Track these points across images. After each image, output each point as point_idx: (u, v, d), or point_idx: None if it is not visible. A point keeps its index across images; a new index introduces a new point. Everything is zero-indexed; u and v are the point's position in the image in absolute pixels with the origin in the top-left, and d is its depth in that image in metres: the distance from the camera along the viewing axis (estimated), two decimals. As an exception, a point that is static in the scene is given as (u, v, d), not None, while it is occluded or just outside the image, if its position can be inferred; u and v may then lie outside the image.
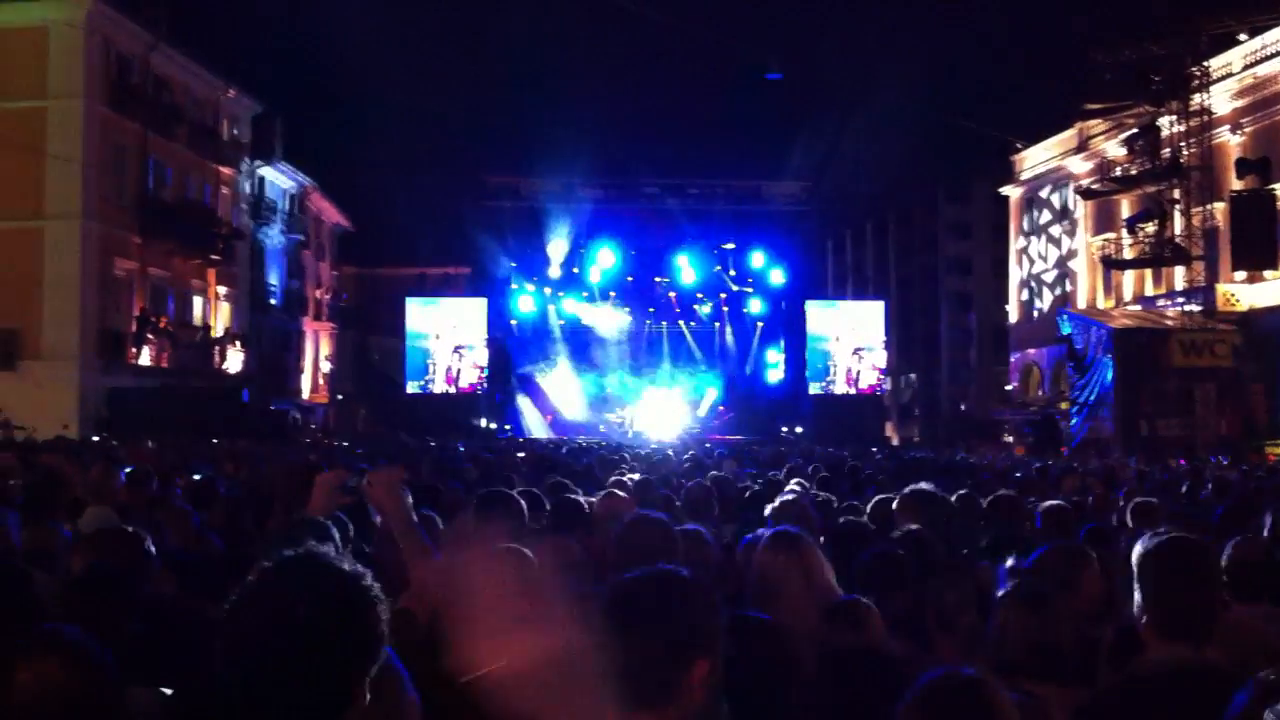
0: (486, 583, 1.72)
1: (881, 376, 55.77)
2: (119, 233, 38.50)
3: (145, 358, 38.93)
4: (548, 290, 52.38)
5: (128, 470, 9.80)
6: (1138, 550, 3.57)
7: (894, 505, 6.75)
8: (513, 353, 52.78)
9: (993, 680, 2.81)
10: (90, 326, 36.78)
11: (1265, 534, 6.75)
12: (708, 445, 31.59)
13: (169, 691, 3.32)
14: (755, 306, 53.47)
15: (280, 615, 2.01)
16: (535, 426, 50.85)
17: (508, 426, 50.66)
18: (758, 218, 52.97)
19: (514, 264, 52.18)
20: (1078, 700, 3.51)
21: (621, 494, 7.67)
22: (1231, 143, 39.16)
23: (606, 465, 14.77)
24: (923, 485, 6.93)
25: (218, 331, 45.63)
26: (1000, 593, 4.07)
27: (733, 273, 52.91)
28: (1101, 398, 37.93)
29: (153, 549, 4.71)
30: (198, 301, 44.92)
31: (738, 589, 5.10)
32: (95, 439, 26.61)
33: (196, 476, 11.40)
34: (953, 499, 7.55)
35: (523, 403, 52.65)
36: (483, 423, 49.99)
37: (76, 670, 2.71)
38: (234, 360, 45.20)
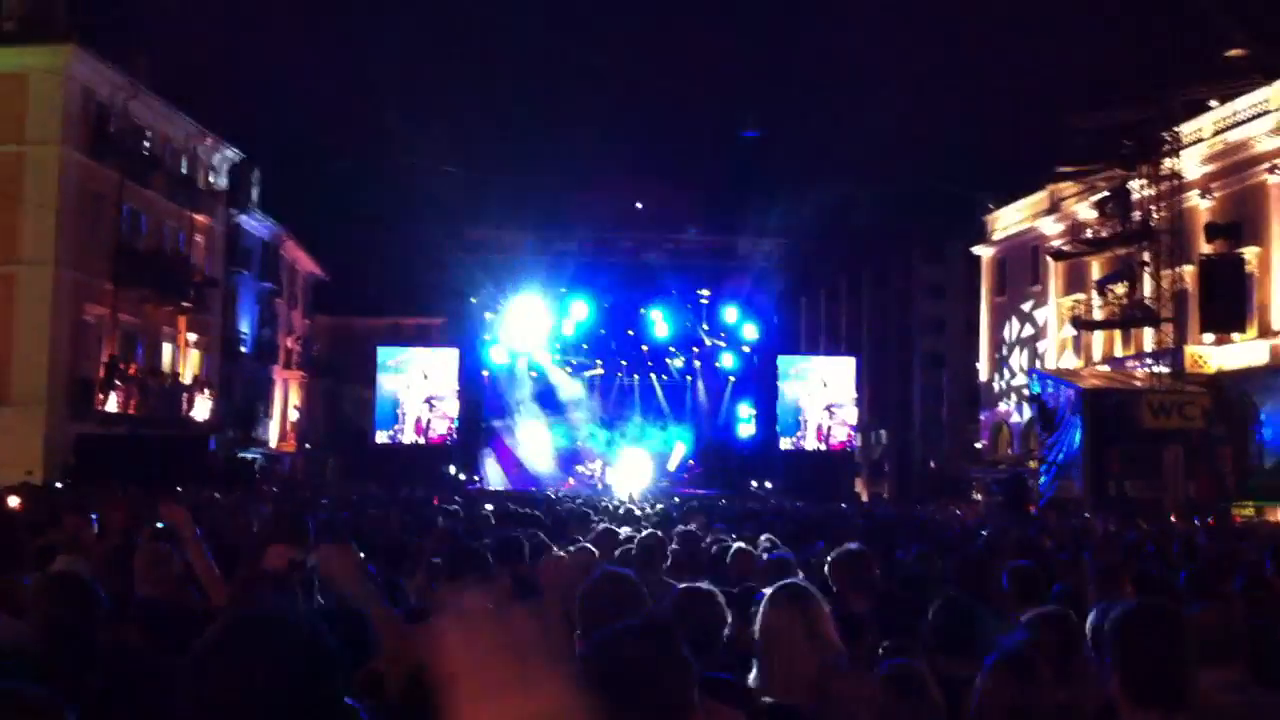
0: (474, 645, 1.71)
1: (853, 433, 55.90)
2: (92, 279, 38.34)
3: (113, 404, 38.65)
4: (520, 343, 52.38)
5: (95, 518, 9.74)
6: (1111, 616, 3.58)
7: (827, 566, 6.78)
8: (485, 404, 52.70)
9: None
10: (60, 372, 36.53)
11: (1235, 596, 6.78)
12: (676, 500, 31.51)
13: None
14: (728, 361, 53.61)
15: (238, 676, 1.99)
16: (502, 479, 50.70)
17: (477, 478, 50.49)
18: (732, 273, 53.20)
19: (487, 316, 52.20)
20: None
21: (590, 548, 7.66)
22: (1201, 207, 39.62)
23: (577, 519, 14.72)
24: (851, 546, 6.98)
25: (187, 379, 45.36)
26: (989, 658, 4.04)
27: (706, 327, 53.08)
28: (1070, 458, 38.06)
29: (103, 597, 4.66)
30: (168, 348, 44.68)
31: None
32: (59, 485, 26.36)
33: (160, 525, 11.29)
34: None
35: (491, 454, 52.52)
36: (451, 470, 49.81)
37: None
38: (202, 408, 44.92)
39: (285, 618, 2.11)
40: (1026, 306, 52.71)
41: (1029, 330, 52.35)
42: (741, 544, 8.89)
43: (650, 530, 9.48)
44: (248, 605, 2.13)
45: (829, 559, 6.87)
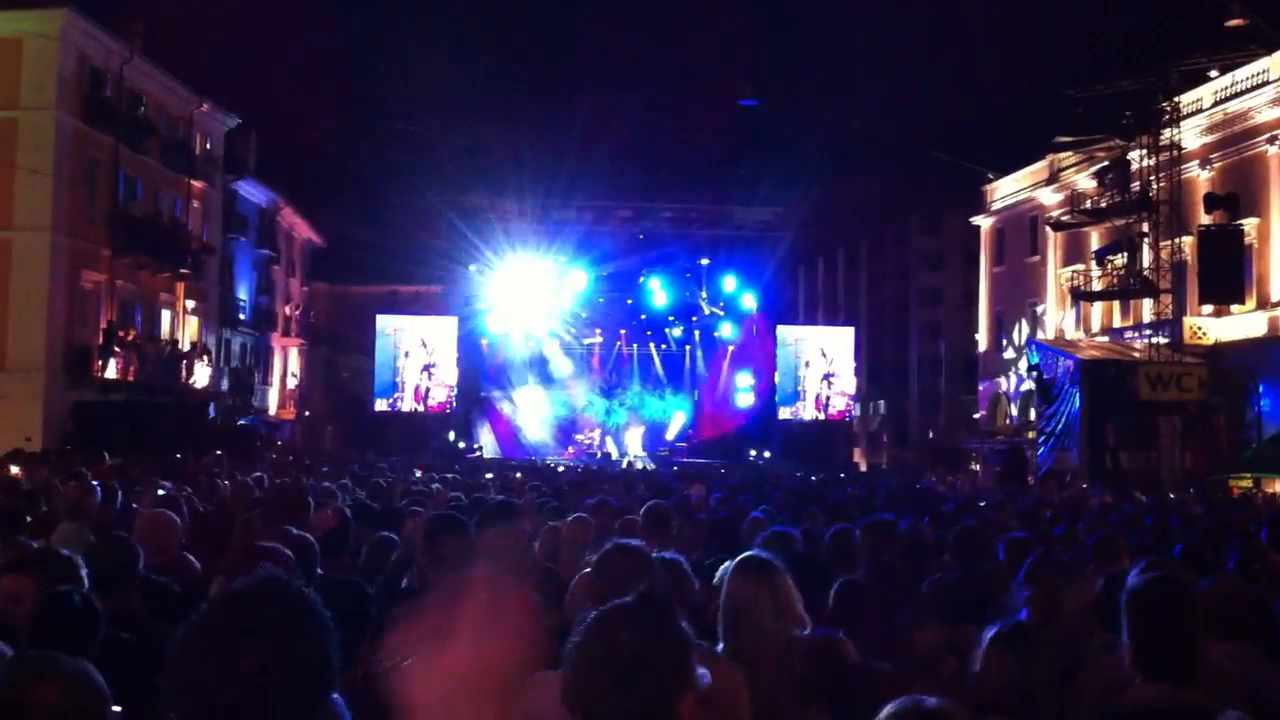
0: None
1: (851, 403, 55.94)
2: (88, 246, 38.24)
3: (111, 371, 38.62)
4: (518, 311, 52.35)
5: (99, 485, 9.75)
6: (1125, 588, 3.58)
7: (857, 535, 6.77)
8: (483, 372, 52.71)
9: (958, 709, 2.79)
10: (57, 339, 36.48)
11: (1231, 569, 6.79)
12: (675, 469, 31.61)
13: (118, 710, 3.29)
14: (726, 330, 53.61)
15: (228, 649, 1.97)
16: (500, 447, 50.76)
17: (477, 446, 50.55)
18: (730, 242, 53.14)
19: (486, 284, 52.13)
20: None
21: (587, 518, 7.67)
22: (1200, 178, 39.54)
23: (578, 488, 14.75)
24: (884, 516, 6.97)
25: (185, 346, 45.32)
26: (988, 633, 4.05)
27: (704, 294, 53.04)
28: (1068, 429, 38.11)
29: (83, 573, 4.66)
30: (166, 315, 44.62)
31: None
32: (61, 451, 26.38)
33: (161, 492, 11.31)
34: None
35: (489, 423, 52.58)
36: (451, 437, 49.89)
37: (76, 696, 2.77)
38: (201, 375, 44.90)
39: (278, 590, 2.09)
40: (1025, 277, 52.65)
41: (1027, 301, 52.30)
42: (758, 514, 8.90)
43: (655, 501, 9.47)
44: (242, 576, 2.10)
45: (860, 526, 6.86)
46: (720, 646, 4.37)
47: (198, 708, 1.97)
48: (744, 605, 4.37)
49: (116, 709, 3.29)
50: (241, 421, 45.38)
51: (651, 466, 38.15)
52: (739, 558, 4.74)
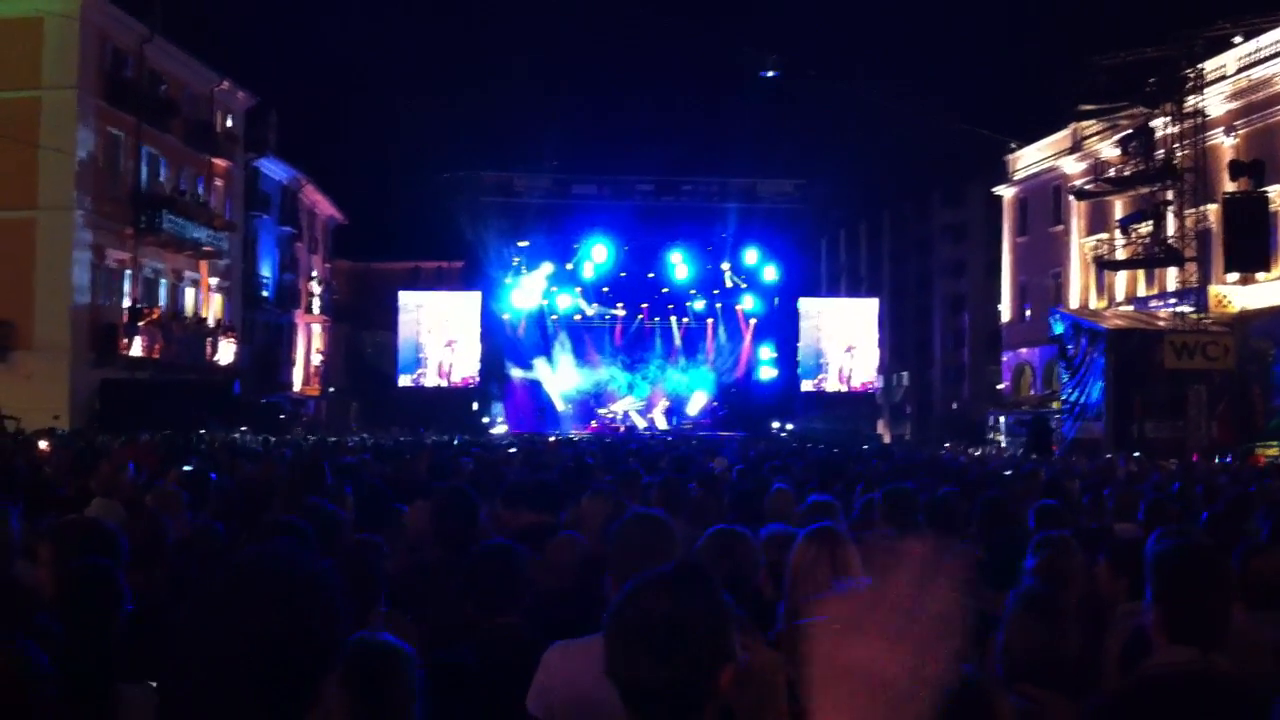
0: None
1: (874, 375, 55.82)
2: (112, 224, 38.43)
3: (137, 349, 38.84)
4: (541, 285, 52.36)
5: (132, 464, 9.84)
6: (1151, 551, 3.57)
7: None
8: (505, 347, 52.75)
9: (993, 681, 2.80)
10: (82, 318, 36.70)
11: (1265, 538, 6.75)
12: (694, 443, 31.61)
13: (154, 685, 3.31)
14: (748, 304, 53.49)
15: (232, 615, 1.98)
16: (523, 422, 50.78)
17: (501, 421, 50.67)
18: (752, 215, 52.95)
19: (507, 259, 52.14)
20: (1082, 706, 3.50)
21: (607, 492, 7.67)
22: (1225, 145, 39.21)
23: (605, 462, 14.76)
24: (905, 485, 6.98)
25: (209, 324, 45.54)
26: (1011, 598, 4.04)
27: (727, 266, 52.90)
28: (1093, 399, 37.95)
29: (123, 543, 4.70)
30: (190, 293, 44.83)
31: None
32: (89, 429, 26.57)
33: (187, 469, 11.38)
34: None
35: (512, 398, 52.64)
36: (475, 408, 50.02)
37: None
38: (225, 352, 45.11)
39: (285, 558, 2.10)
40: (1048, 247, 52.37)
41: (1051, 271, 52.02)
42: (782, 485, 8.89)
43: (673, 476, 9.47)
44: (253, 549, 2.10)
45: (880, 495, 6.87)
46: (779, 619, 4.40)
47: (204, 677, 1.98)
48: (805, 571, 4.40)
49: (152, 684, 3.32)
50: (266, 399, 45.59)
51: (673, 440, 38.16)
52: (808, 529, 4.74)
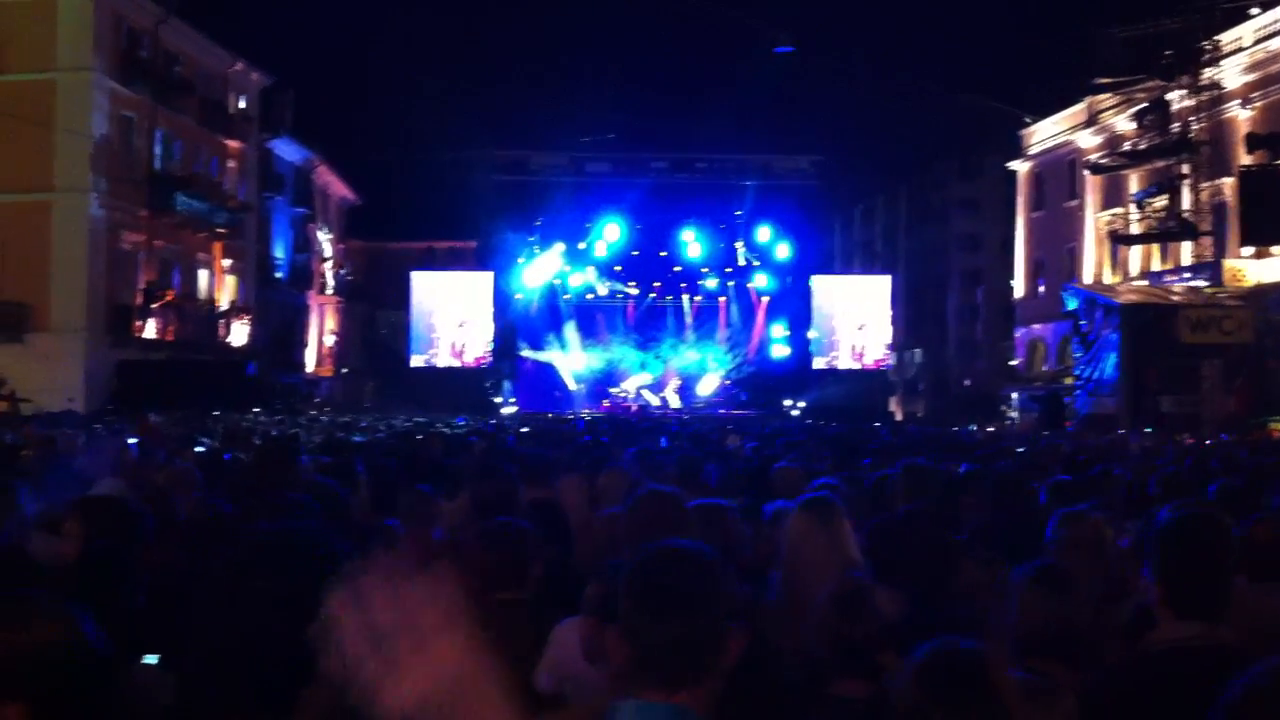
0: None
1: (887, 352, 55.72)
2: (127, 206, 38.50)
3: (151, 331, 38.97)
4: (554, 264, 52.34)
5: (136, 442, 9.88)
6: (1154, 524, 3.56)
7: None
8: (518, 327, 52.76)
9: (994, 653, 2.80)
10: (97, 300, 36.82)
11: (1276, 508, 6.73)
12: (709, 420, 31.65)
13: (154, 660, 3.34)
14: (761, 281, 53.38)
15: (244, 587, 2.01)
16: (536, 401, 50.83)
17: (513, 400, 50.74)
18: (766, 192, 52.80)
19: (521, 238, 52.11)
20: (1088, 679, 3.50)
21: (624, 469, 7.68)
22: (1241, 117, 38.98)
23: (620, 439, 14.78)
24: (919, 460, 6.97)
25: (224, 305, 45.65)
26: (1018, 570, 4.03)
27: (740, 245, 52.80)
28: (1107, 373, 37.84)
29: (146, 517, 4.74)
30: (204, 275, 44.94)
31: (755, 561, 5.13)
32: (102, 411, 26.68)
33: (200, 449, 11.44)
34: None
35: (525, 377, 52.69)
36: (489, 389, 50.09)
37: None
38: (240, 334, 45.23)
39: (303, 537, 2.13)
40: (1063, 221, 52.17)
41: (1066, 245, 51.84)
42: (786, 462, 8.90)
43: (685, 453, 9.49)
44: (271, 524, 2.15)
45: (885, 473, 6.87)
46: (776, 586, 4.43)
47: (219, 649, 2.01)
48: (800, 542, 4.42)
49: (152, 658, 3.35)
50: (281, 379, 45.71)
51: (687, 418, 38.19)
52: (802, 499, 4.77)
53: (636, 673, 2.30)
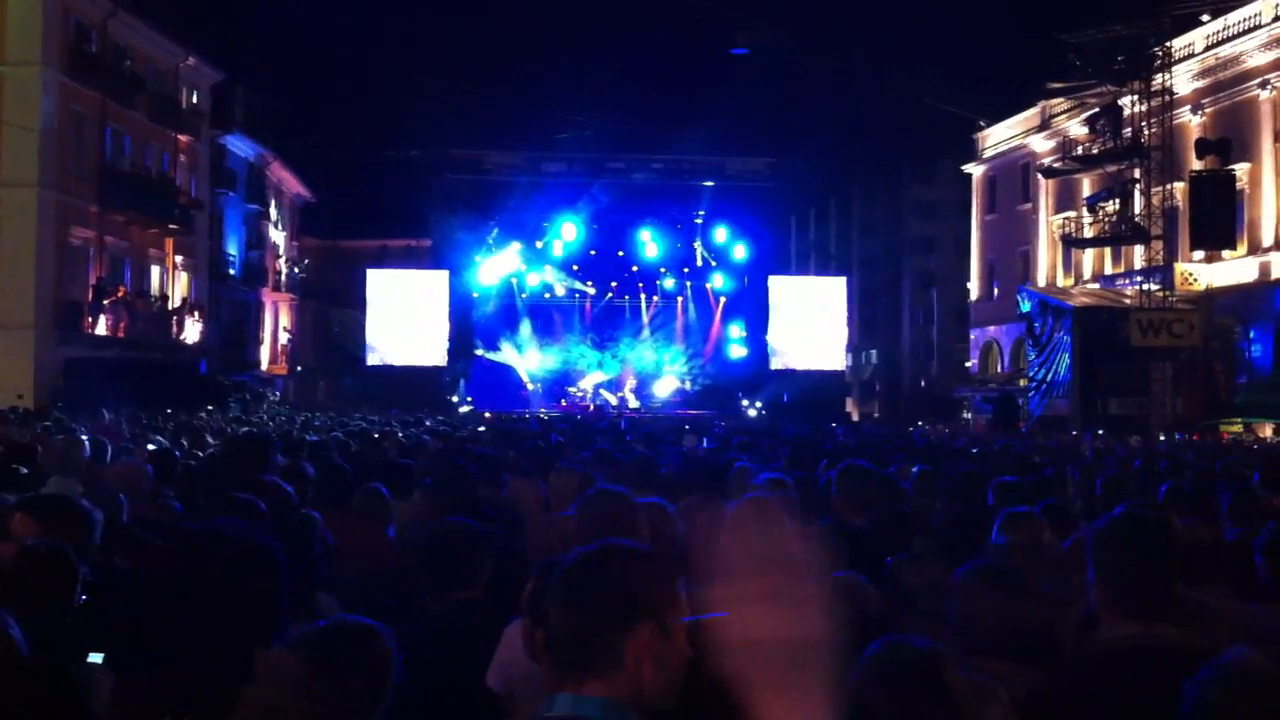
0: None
1: (843, 353, 55.98)
2: (76, 201, 38.06)
3: (102, 328, 38.56)
4: (510, 263, 52.25)
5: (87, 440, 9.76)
6: (1094, 526, 3.57)
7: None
8: (474, 326, 52.62)
9: (945, 652, 2.80)
10: (46, 296, 36.38)
11: (1223, 514, 6.80)
12: (665, 420, 31.66)
13: (98, 659, 3.30)
14: (718, 282, 53.53)
15: (174, 584, 2.00)
16: (492, 401, 50.69)
17: (469, 399, 50.57)
18: (722, 193, 52.89)
19: (477, 237, 51.95)
20: (1037, 679, 3.51)
21: (574, 468, 7.66)
22: (1192, 123, 39.45)
23: (572, 441, 14.76)
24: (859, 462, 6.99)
25: (175, 302, 45.23)
26: (963, 570, 4.04)
27: (699, 245, 52.92)
28: (1059, 375, 38.22)
29: (95, 517, 4.68)
30: (155, 271, 44.50)
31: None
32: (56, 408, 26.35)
33: (152, 447, 11.32)
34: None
35: (481, 377, 52.53)
36: (445, 389, 49.89)
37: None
38: (192, 331, 44.83)
39: (231, 534, 2.12)
40: (1017, 224, 52.59)
41: (1019, 248, 52.27)
42: (745, 463, 8.92)
43: (641, 452, 9.49)
44: (199, 522, 2.15)
45: (833, 474, 6.88)
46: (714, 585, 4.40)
47: (150, 645, 2.00)
48: (739, 543, 4.39)
49: (96, 657, 3.30)
50: (233, 378, 45.33)
51: (645, 417, 38.21)
52: (743, 497, 4.75)
53: (550, 665, 2.38)
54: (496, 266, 52.08)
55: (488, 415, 37.73)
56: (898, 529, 5.97)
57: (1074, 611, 4.32)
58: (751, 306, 53.45)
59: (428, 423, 22.58)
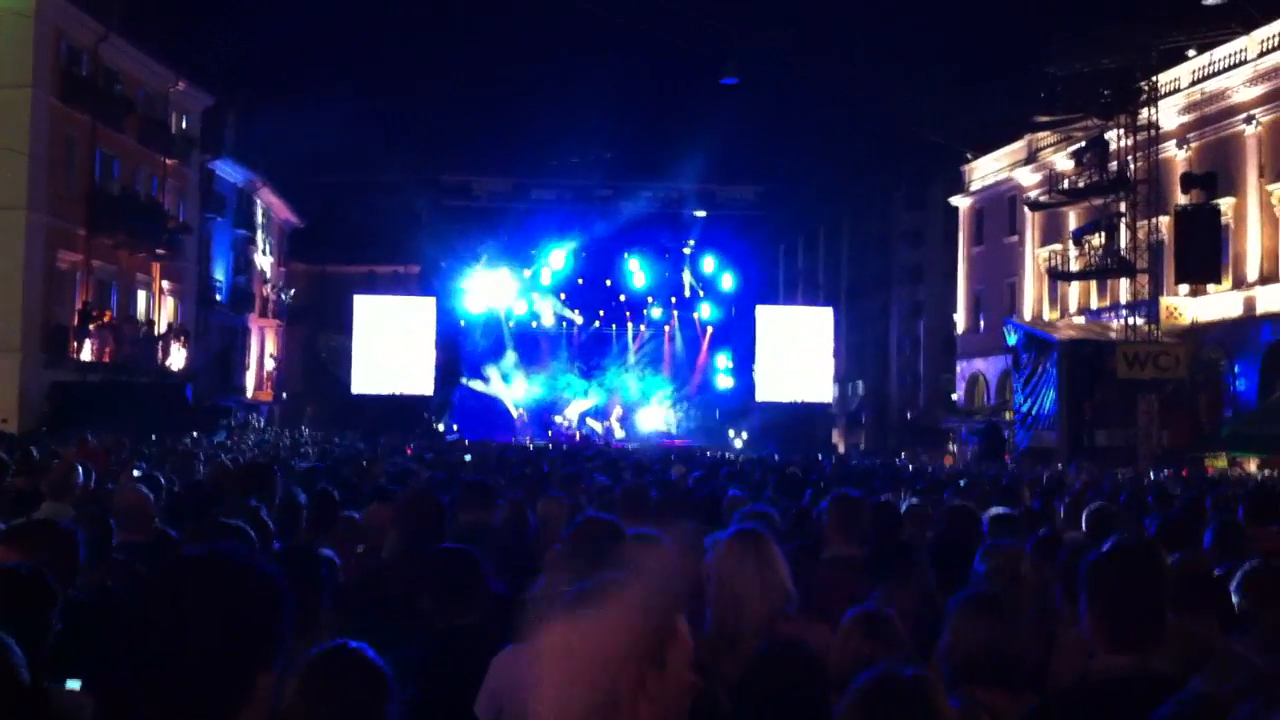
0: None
1: (830, 383, 56.05)
2: (65, 225, 37.97)
3: (88, 352, 38.41)
4: (498, 291, 52.26)
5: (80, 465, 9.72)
6: (1086, 557, 3.58)
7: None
8: (462, 353, 52.60)
9: (934, 679, 2.80)
10: (33, 319, 36.24)
11: (1207, 547, 6.82)
12: (652, 450, 31.63)
13: (76, 685, 3.28)
14: (706, 311, 53.60)
15: (174, 607, 1.99)
16: (479, 429, 50.61)
17: (455, 427, 50.48)
18: (711, 222, 53.05)
19: (465, 263, 51.99)
20: (1025, 708, 3.51)
21: (561, 497, 7.67)
22: (1178, 157, 39.66)
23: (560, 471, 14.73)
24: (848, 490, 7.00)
25: (162, 327, 45.10)
26: (953, 599, 4.05)
27: (687, 274, 53.02)
28: (1045, 408, 38.30)
29: (80, 544, 4.64)
30: (142, 296, 44.38)
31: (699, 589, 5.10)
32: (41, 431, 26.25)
33: (137, 472, 11.28)
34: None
35: (468, 404, 52.48)
36: (431, 419, 49.80)
37: None
38: (178, 356, 44.67)
39: (228, 556, 2.11)
40: (1003, 257, 52.77)
41: (1005, 281, 52.42)
42: (736, 492, 8.94)
43: (634, 481, 9.49)
44: (201, 546, 2.13)
45: (824, 504, 6.88)
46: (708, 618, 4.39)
47: (145, 669, 1.99)
48: (729, 574, 4.38)
49: (75, 682, 3.28)
50: (220, 403, 45.17)
51: (632, 447, 38.18)
52: (732, 530, 4.74)
53: None
54: (484, 293, 52.08)
55: (467, 443, 37.72)
56: (899, 558, 5.97)
57: (1073, 640, 4.32)
58: (739, 337, 53.52)
59: (409, 450, 22.56)
